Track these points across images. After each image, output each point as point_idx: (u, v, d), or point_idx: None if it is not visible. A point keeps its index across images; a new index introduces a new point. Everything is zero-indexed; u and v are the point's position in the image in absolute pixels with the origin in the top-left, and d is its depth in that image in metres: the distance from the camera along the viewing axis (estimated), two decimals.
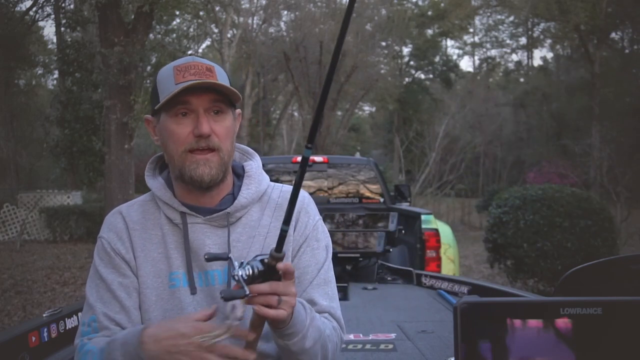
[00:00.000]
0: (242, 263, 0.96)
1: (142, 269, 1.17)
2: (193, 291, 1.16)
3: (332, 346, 1.16)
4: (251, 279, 0.95)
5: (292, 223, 1.21)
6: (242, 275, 0.94)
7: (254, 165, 1.28)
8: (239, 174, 1.26)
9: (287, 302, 0.97)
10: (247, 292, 0.93)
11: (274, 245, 0.96)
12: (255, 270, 0.95)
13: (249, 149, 1.33)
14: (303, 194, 1.26)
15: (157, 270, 1.17)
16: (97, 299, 1.16)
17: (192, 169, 1.12)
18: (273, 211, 1.23)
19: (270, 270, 0.95)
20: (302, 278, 1.21)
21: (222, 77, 1.14)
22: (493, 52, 32.85)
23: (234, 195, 1.22)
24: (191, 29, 14.94)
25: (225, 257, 1.01)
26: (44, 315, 1.97)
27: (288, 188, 1.27)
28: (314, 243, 1.24)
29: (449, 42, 34.01)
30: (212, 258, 1.01)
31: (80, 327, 1.17)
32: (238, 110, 1.23)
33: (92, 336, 1.13)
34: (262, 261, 0.96)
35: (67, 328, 2.02)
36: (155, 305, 1.16)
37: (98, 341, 1.11)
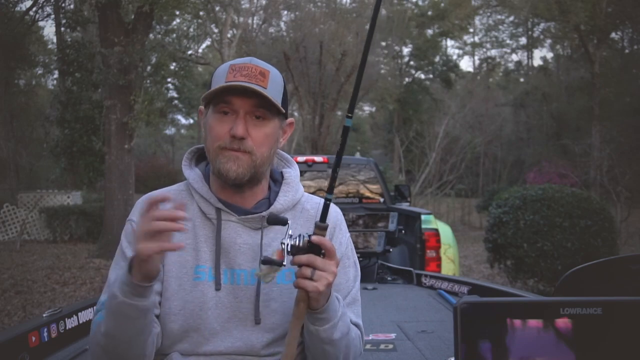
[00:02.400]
0: (292, 236, 1.05)
1: (168, 257, 1.18)
2: (218, 287, 1.17)
3: (354, 351, 1.21)
4: (295, 250, 1.03)
5: (327, 238, 1.25)
6: (287, 244, 1.03)
7: (293, 173, 1.30)
8: (276, 180, 1.28)
9: (322, 277, 1.02)
10: (284, 263, 1.03)
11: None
12: (301, 243, 1.03)
13: (288, 156, 1.35)
14: (336, 209, 1.30)
15: (183, 260, 1.18)
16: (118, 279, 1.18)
17: (221, 163, 1.14)
18: (305, 221, 1.25)
19: (315, 246, 1.03)
20: None
21: (274, 85, 1.15)
22: (493, 52, 32.84)
23: (269, 200, 1.23)
24: (191, 29, 14.93)
25: (284, 222, 1.08)
26: (44, 315, 1.97)
27: (320, 200, 1.30)
28: (346, 261, 1.27)
29: (449, 42, 34.02)
30: (272, 219, 1.08)
31: (97, 305, 1.20)
32: (289, 120, 1.25)
33: None
34: (310, 235, 1.04)
35: (67, 328, 2.03)
36: (176, 295, 1.16)
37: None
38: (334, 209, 1.28)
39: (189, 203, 1.22)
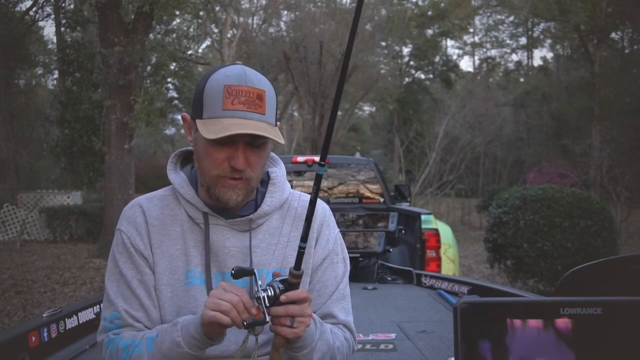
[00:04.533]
0: (263, 286, 1.01)
1: (158, 265, 1.18)
2: (210, 291, 1.16)
3: (341, 357, 1.20)
4: (272, 300, 1.00)
5: (314, 236, 1.24)
6: (263, 297, 0.99)
7: (279, 173, 1.28)
8: (263, 180, 1.26)
9: (302, 323, 1.02)
10: (267, 319, 1.00)
11: (292, 262, 1.02)
12: (277, 291, 1.00)
13: (274, 155, 1.32)
14: (323, 206, 1.28)
15: (173, 266, 1.18)
16: (118, 294, 1.17)
17: (220, 192, 1.13)
18: (293, 220, 1.24)
19: (291, 288, 1.01)
20: (322, 292, 1.24)
21: (270, 103, 1.12)
22: (493, 52, 32.84)
23: (256, 202, 1.23)
24: (191, 29, 14.92)
25: (250, 272, 1.04)
26: (44, 315, 1.98)
27: (307, 197, 1.28)
28: (334, 257, 1.27)
29: (449, 42, 34.01)
30: (238, 273, 1.02)
31: (102, 322, 1.18)
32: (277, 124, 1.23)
33: (117, 331, 1.14)
34: (282, 281, 1.02)
35: (67, 328, 2.03)
36: (169, 302, 1.17)
37: (135, 334, 1.12)
38: (321, 206, 1.27)
39: (175, 208, 1.21)
